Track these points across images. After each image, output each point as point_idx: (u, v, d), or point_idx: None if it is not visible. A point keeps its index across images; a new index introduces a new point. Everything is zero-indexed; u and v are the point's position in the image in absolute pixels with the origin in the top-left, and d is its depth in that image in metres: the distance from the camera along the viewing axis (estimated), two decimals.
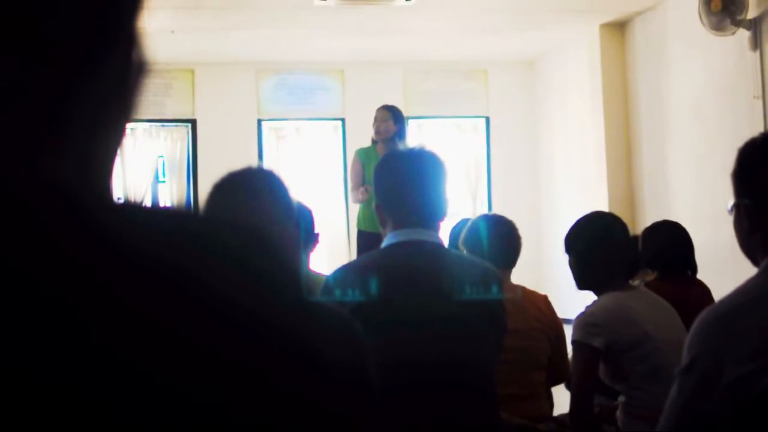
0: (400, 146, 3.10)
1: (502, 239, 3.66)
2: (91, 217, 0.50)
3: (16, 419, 0.44)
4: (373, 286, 2.36)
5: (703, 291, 4.13)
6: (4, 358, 0.45)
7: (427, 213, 2.53)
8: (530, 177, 10.77)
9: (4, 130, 0.51)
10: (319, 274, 3.15)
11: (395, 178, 2.55)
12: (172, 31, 8.29)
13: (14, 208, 0.48)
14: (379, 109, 7.04)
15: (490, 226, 3.69)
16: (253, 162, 9.47)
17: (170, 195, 10.18)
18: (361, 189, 6.71)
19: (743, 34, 7.05)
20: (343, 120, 10.51)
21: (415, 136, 10.15)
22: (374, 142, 7.04)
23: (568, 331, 3.22)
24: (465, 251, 3.60)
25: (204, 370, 0.48)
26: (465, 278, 2.46)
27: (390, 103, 7.24)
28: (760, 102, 6.94)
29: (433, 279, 2.44)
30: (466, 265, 2.58)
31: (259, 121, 10.44)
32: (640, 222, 8.00)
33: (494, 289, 2.48)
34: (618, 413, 3.15)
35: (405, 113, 7.31)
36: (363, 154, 7.03)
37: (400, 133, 6.91)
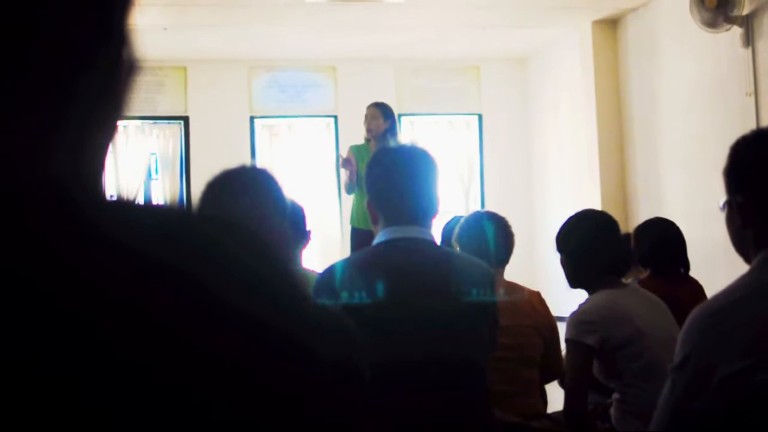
0: (392, 143, 3.10)
1: (495, 236, 3.66)
2: (82, 213, 0.50)
3: (13, 417, 0.44)
4: (366, 283, 2.36)
5: (696, 288, 4.13)
6: None
7: (419, 210, 2.52)
8: (523, 174, 10.78)
9: None
10: (311, 271, 3.14)
11: (387, 175, 2.55)
12: (164, 28, 8.28)
13: (4, 204, 0.48)
14: (368, 107, 7.01)
15: (483, 224, 3.69)
16: (246, 159, 9.46)
17: (163, 192, 10.17)
18: (349, 160, 6.79)
19: (736, 31, 7.06)
20: (335, 117, 10.50)
21: (407, 134, 10.15)
22: (367, 139, 7.02)
23: (561, 328, 3.22)
24: (458, 248, 3.60)
25: (195, 367, 0.48)
26: (458, 275, 2.46)
27: (382, 100, 7.22)
28: (753, 99, 6.95)
29: (425, 276, 2.44)
30: (458, 263, 2.58)
31: (252, 119, 10.43)
32: (633, 219, 8.01)
33: (488, 286, 2.47)
34: (612, 410, 3.16)
35: (397, 110, 7.28)
36: (356, 151, 7.01)
37: (392, 130, 6.88)
